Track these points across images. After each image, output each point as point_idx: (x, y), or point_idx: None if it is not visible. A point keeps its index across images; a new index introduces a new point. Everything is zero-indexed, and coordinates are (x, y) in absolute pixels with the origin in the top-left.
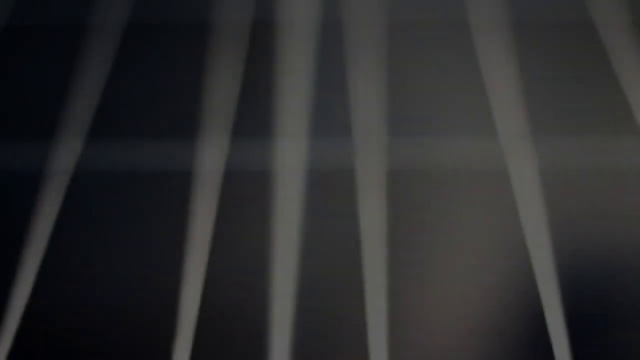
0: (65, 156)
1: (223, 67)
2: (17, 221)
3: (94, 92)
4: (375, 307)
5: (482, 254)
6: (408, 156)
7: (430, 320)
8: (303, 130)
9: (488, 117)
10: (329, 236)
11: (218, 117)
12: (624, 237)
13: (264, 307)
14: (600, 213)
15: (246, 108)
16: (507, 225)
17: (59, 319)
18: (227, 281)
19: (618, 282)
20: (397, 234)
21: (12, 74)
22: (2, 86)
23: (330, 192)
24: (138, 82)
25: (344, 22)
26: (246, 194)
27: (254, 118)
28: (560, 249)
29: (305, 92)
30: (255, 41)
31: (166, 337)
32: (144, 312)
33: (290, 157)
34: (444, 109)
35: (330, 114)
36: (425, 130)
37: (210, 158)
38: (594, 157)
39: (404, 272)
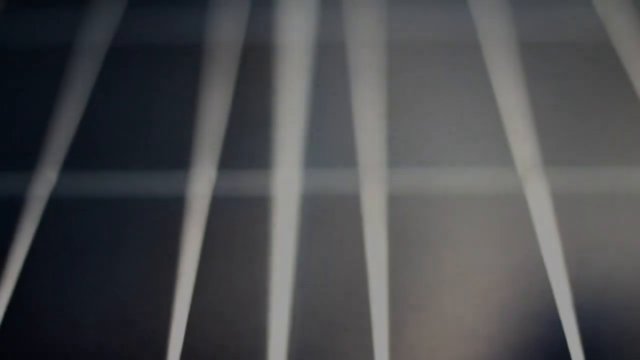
0: (42, 185)
1: (216, 92)
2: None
3: (78, 117)
4: (378, 342)
5: (491, 282)
6: (408, 185)
7: (435, 352)
8: (299, 158)
9: (498, 143)
10: (329, 265)
11: (209, 145)
12: (637, 262)
13: (259, 341)
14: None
15: (239, 137)
16: (518, 254)
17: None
18: (216, 317)
19: (633, 305)
20: (401, 261)
21: None
22: None
23: (328, 220)
24: (127, 106)
25: (342, 44)
26: (238, 224)
27: (249, 146)
28: (576, 279)
29: (302, 119)
30: (250, 64)
31: None
32: (125, 353)
33: (286, 185)
34: (452, 135)
35: (329, 141)
36: (424, 158)
37: (201, 186)
38: (605, 183)
39: (407, 299)
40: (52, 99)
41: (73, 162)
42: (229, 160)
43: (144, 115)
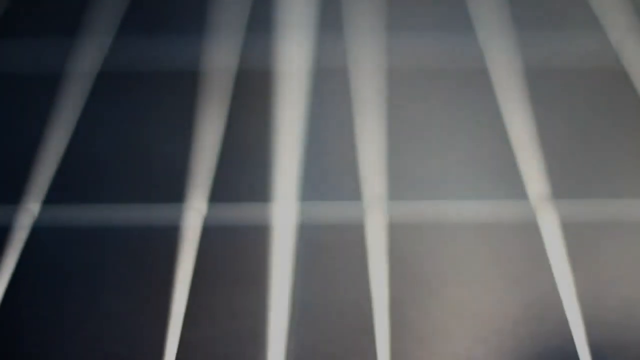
0: (26, 216)
1: (210, 120)
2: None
3: (65, 145)
4: None
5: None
6: (411, 216)
7: None
8: (297, 190)
9: (507, 173)
10: (328, 299)
11: (202, 176)
12: None
13: None
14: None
15: (234, 168)
16: (530, 287)
17: None
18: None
19: None
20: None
21: None
22: None
23: (328, 252)
24: (117, 135)
25: (343, 71)
26: (234, 255)
27: (245, 178)
28: (591, 314)
29: (300, 148)
30: (246, 92)
31: None
32: None
33: (284, 216)
34: (459, 165)
35: (328, 172)
36: (428, 189)
37: (193, 218)
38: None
39: (413, 335)
40: (40, 127)
41: (60, 192)
42: (223, 192)
43: (135, 145)
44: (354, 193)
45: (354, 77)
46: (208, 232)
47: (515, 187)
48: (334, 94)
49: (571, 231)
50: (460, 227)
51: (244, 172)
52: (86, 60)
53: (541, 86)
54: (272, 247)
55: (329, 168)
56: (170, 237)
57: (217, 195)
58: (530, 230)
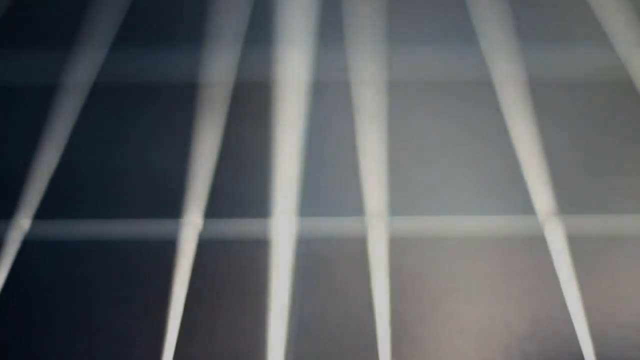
0: (18, 231)
1: (207, 134)
2: None
3: (59, 159)
4: None
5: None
6: (414, 231)
7: None
8: (296, 205)
9: (511, 188)
10: (329, 314)
11: (199, 191)
12: None
13: None
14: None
15: (232, 182)
16: (537, 303)
17: None
18: None
19: None
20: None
21: None
22: None
23: (328, 266)
24: (112, 149)
25: (344, 84)
26: (232, 269)
27: (244, 193)
28: (600, 331)
29: (299, 162)
30: (244, 104)
31: None
32: None
33: (283, 232)
34: (463, 179)
35: (327, 187)
36: (432, 204)
37: (190, 233)
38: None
39: (417, 354)
40: (33, 140)
41: (52, 207)
42: (220, 207)
43: (130, 159)
44: (355, 208)
45: (355, 89)
46: (204, 247)
47: (521, 202)
48: (335, 106)
49: (579, 246)
50: (465, 242)
51: (242, 186)
52: (80, 73)
53: (547, 99)
54: (271, 262)
55: (330, 182)
56: (166, 252)
57: (214, 210)
58: (537, 245)
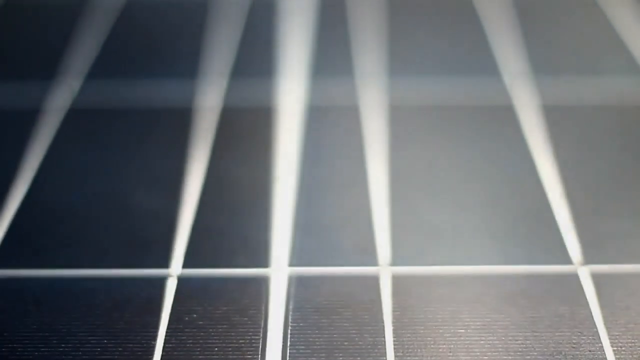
0: None
1: (196, 163)
2: None
3: (23, 195)
4: None
5: None
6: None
7: None
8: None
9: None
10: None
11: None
12: None
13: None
14: None
15: (221, 230)
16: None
17: None
18: None
19: None
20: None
21: None
22: None
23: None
24: (92, 182)
25: (354, 108)
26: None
27: (238, 239)
28: None
29: (294, 197)
30: (237, 133)
31: None
32: None
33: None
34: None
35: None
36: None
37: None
38: None
39: None
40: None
41: (10, 256)
42: (199, 258)
43: (107, 196)
44: (354, 256)
45: (361, 116)
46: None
47: (547, 250)
48: (334, 137)
49: (600, 281)
50: (481, 298)
51: (227, 233)
52: (58, 100)
53: (568, 128)
54: (268, 306)
55: (327, 227)
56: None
57: (194, 260)
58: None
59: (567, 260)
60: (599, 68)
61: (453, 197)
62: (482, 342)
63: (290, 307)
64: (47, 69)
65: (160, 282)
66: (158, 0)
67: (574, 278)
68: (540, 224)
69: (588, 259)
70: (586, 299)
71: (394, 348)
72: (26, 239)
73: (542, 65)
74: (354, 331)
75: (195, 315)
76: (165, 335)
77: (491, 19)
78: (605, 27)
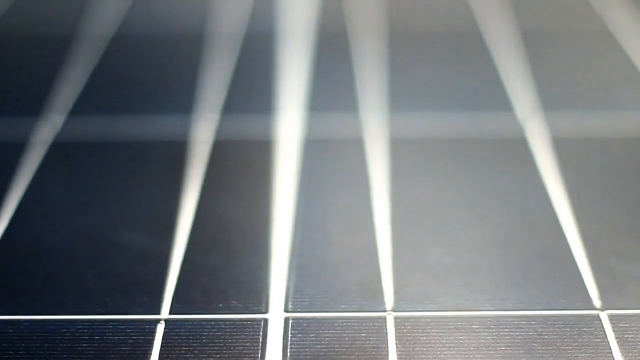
0: None
1: (187, 198)
2: None
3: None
4: None
5: None
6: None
7: None
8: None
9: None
10: None
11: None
12: None
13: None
14: None
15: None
16: None
17: None
18: None
19: None
20: None
21: None
22: None
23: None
24: (74, 220)
25: (359, 141)
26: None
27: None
28: None
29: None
30: (223, 163)
31: None
32: None
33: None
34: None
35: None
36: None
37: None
38: None
39: None
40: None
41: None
42: (206, 303)
43: (92, 236)
44: (357, 300)
45: (365, 149)
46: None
47: (564, 294)
48: (335, 171)
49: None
50: (494, 345)
51: (217, 278)
52: (43, 134)
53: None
54: (265, 353)
55: (326, 269)
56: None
57: (184, 303)
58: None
59: (586, 304)
60: (612, 101)
61: (462, 235)
62: None
63: (288, 354)
64: (34, 104)
65: (148, 327)
66: (150, 32)
67: (594, 323)
68: (556, 264)
69: (607, 303)
70: (608, 345)
71: None
72: (3, 281)
73: (552, 100)
74: None
75: None
76: None
77: (500, 52)
78: (616, 60)
